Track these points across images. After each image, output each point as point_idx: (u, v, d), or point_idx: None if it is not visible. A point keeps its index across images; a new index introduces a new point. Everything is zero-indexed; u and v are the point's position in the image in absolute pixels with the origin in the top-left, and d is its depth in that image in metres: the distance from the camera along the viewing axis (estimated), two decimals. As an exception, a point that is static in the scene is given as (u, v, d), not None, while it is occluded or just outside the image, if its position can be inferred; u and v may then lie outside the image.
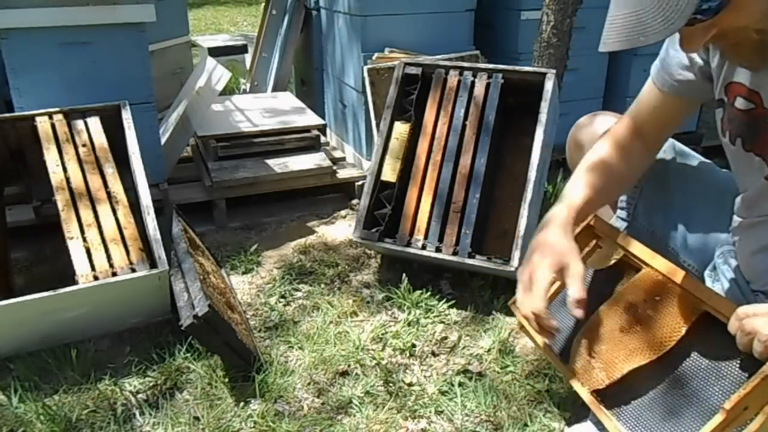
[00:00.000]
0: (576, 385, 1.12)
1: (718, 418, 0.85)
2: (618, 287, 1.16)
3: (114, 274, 1.55)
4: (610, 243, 1.21)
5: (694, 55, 1.07)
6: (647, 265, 1.10)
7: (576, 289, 1.02)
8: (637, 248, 1.14)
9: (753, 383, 0.82)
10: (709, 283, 1.16)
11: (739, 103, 0.98)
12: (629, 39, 0.78)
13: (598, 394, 1.08)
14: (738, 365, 0.92)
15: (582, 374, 1.12)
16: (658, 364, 1.02)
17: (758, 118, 0.95)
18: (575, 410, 1.36)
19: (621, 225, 1.27)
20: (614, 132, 1.21)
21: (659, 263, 1.08)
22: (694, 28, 0.80)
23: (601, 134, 1.24)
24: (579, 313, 1.02)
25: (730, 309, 0.91)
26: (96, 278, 1.53)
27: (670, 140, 1.28)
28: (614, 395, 1.07)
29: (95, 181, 1.71)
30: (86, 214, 1.64)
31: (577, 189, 1.17)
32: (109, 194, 1.69)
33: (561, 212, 1.14)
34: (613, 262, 1.20)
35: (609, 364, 1.08)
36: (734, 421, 0.85)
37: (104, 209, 1.66)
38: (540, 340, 1.21)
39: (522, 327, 1.24)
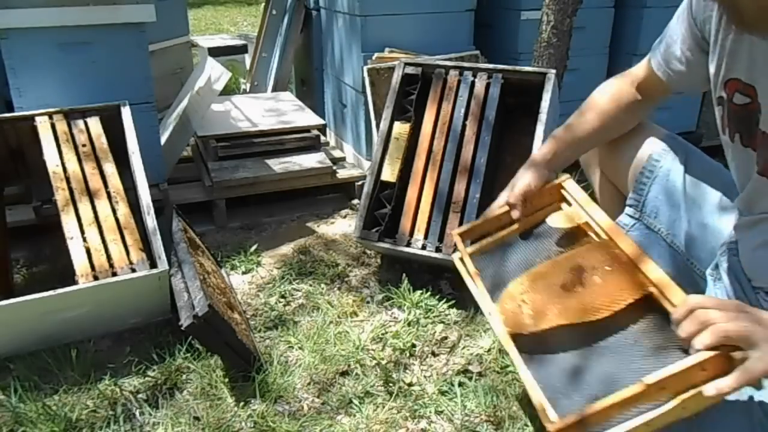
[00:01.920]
0: (494, 322, 1.09)
1: (635, 388, 0.82)
2: (571, 248, 1.14)
3: (114, 274, 1.55)
4: (576, 207, 1.20)
5: (692, 51, 1.10)
6: (609, 237, 1.08)
7: (506, 195, 1.19)
8: (602, 218, 1.12)
9: (682, 366, 0.79)
10: (710, 282, 1.17)
11: (737, 98, 0.99)
12: None
13: (515, 337, 1.05)
14: (666, 351, 0.89)
15: (508, 314, 1.08)
16: (586, 329, 0.99)
17: (752, 112, 0.96)
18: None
19: (629, 222, 1.28)
20: (617, 83, 1.29)
21: (622, 240, 1.06)
22: None
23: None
24: (497, 212, 1.21)
25: (679, 296, 0.89)
26: (96, 278, 1.53)
27: (679, 139, 1.29)
28: (531, 344, 1.03)
29: (95, 181, 1.71)
30: (86, 214, 1.64)
31: (560, 132, 1.30)
32: (109, 194, 1.69)
33: (538, 154, 1.28)
34: (573, 225, 1.18)
35: (540, 314, 1.04)
36: (648, 397, 0.81)
37: (104, 209, 1.66)
38: (472, 268, 1.19)
39: (460, 258, 1.24)
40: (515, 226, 1.23)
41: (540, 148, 1.30)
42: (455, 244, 1.28)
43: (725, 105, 1.03)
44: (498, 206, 1.26)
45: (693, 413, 0.79)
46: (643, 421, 0.80)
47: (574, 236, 1.17)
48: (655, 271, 0.96)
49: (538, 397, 0.94)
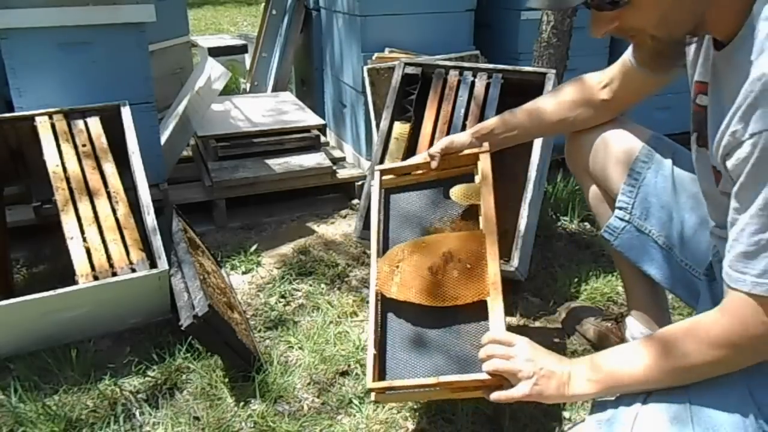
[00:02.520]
0: (372, 274, 1.29)
1: (431, 380, 1.09)
2: (456, 228, 1.35)
3: (114, 274, 1.55)
4: (478, 184, 1.35)
5: None
6: (482, 234, 1.25)
7: (428, 150, 1.38)
8: (488, 209, 1.28)
9: (468, 378, 1.05)
10: (705, 283, 1.17)
11: (699, 99, 1.00)
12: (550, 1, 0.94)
13: (382, 295, 1.26)
14: (472, 357, 1.13)
15: (382, 275, 1.28)
16: (433, 312, 1.21)
17: (704, 112, 0.97)
18: (575, 411, 1.36)
19: (619, 225, 1.28)
20: (579, 82, 1.33)
21: (490, 243, 1.23)
22: (602, 14, 0.89)
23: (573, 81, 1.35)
24: (418, 159, 1.40)
25: (496, 325, 1.11)
26: (96, 278, 1.53)
27: (665, 139, 1.29)
28: (393, 308, 1.25)
29: (95, 181, 1.71)
30: (86, 214, 1.64)
31: (506, 113, 1.39)
32: (109, 194, 1.69)
33: (479, 124, 1.40)
34: (468, 204, 1.36)
35: (405, 286, 1.25)
36: (438, 387, 1.08)
37: (104, 209, 1.66)
38: (375, 223, 1.38)
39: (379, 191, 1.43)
40: (432, 174, 1.41)
41: (485, 121, 1.43)
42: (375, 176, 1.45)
43: (691, 105, 1.03)
44: (421, 157, 1.43)
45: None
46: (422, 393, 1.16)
47: (467, 212, 1.36)
48: (496, 287, 1.17)
49: (371, 354, 1.17)
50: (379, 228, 1.39)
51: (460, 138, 1.38)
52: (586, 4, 0.88)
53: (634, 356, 0.93)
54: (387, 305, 1.27)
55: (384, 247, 1.36)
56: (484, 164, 1.35)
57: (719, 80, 0.91)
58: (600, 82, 1.29)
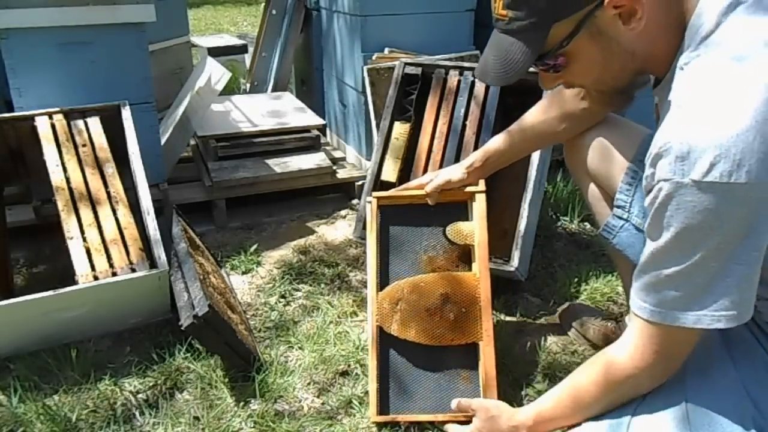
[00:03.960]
0: (373, 309, 1.39)
1: (427, 417, 1.31)
2: (450, 259, 1.46)
3: (114, 274, 1.55)
4: (473, 225, 1.44)
5: None
6: (476, 278, 1.38)
7: (426, 180, 1.45)
8: (482, 253, 1.39)
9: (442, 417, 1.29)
10: None
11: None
12: (482, 75, 0.98)
13: (381, 330, 1.38)
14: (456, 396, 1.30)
15: (383, 312, 1.39)
16: (430, 351, 1.36)
17: None
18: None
19: (617, 224, 1.28)
20: (559, 96, 1.36)
21: (483, 287, 1.36)
22: (546, 74, 0.98)
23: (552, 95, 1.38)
24: (414, 192, 1.46)
25: (489, 376, 1.31)
26: (96, 278, 1.53)
27: None
28: (392, 343, 1.38)
29: (95, 181, 1.71)
30: (86, 214, 1.64)
31: (497, 139, 1.44)
32: (109, 194, 1.69)
33: (472, 158, 1.45)
34: (463, 244, 1.45)
35: (404, 325, 1.37)
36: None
37: (104, 209, 1.66)
38: (373, 244, 1.46)
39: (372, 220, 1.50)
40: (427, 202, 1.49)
41: (477, 151, 1.46)
42: (370, 202, 1.52)
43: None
44: (417, 184, 1.49)
45: None
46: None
47: (464, 255, 1.46)
48: (489, 334, 1.33)
49: (373, 388, 1.33)
50: (376, 255, 1.46)
51: (456, 175, 1.44)
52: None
53: (555, 409, 1.07)
54: (389, 340, 1.38)
55: (381, 273, 1.45)
56: (480, 205, 1.43)
57: (662, 111, 0.93)
58: (578, 93, 1.30)
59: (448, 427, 1.27)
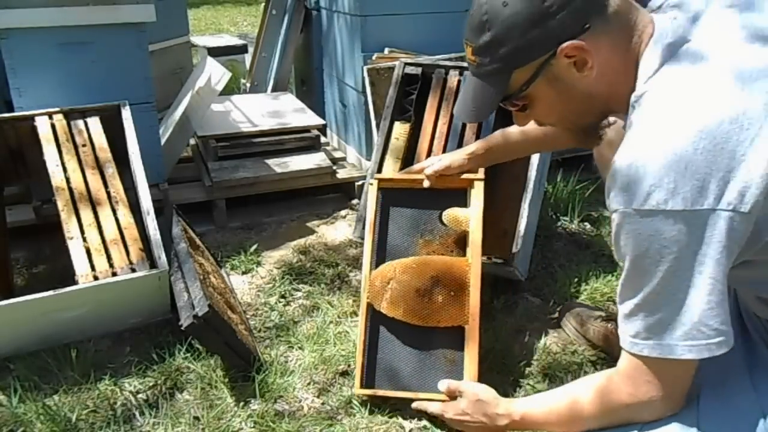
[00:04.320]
0: (364, 285, 1.45)
1: (407, 394, 1.35)
2: (445, 244, 1.48)
3: (114, 274, 1.55)
4: (470, 210, 1.46)
5: None
6: (467, 263, 1.40)
7: (428, 163, 1.50)
8: (476, 239, 1.40)
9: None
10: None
11: None
12: (458, 112, 1.05)
13: (372, 308, 1.43)
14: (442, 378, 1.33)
15: (374, 289, 1.43)
16: (417, 330, 1.40)
17: None
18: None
19: None
20: None
21: (474, 273, 1.38)
22: (518, 113, 1.03)
23: None
24: (415, 176, 1.51)
25: (471, 359, 1.34)
26: (96, 278, 1.53)
27: None
28: (381, 320, 1.42)
29: (95, 181, 1.71)
30: (86, 214, 1.64)
31: (500, 133, 1.49)
32: (109, 194, 1.69)
33: (474, 145, 1.50)
34: (459, 230, 1.47)
35: (394, 303, 1.40)
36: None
37: (104, 209, 1.66)
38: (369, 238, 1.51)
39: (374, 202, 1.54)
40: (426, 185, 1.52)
41: (480, 140, 1.52)
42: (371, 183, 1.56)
43: None
44: (418, 168, 1.53)
45: None
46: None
47: (458, 239, 1.48)
48: (474, 307, 1.36)
49: (359, 362, 1.39)
50: (373, 234, 1.50)
51: (457, 160, 1.49)
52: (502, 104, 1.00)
53: (548, 414, 1.07)
54: (378, 317, 1.43)
55: (378, 253, 1.49)
56: (478, 193, 1.46)
57: None
58: None
59: (429, 405, 1.31)
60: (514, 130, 1.46)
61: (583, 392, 1.02)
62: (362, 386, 1.38)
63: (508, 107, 1.03)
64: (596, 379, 1.02)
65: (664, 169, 0.80)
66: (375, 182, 1.54)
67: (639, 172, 0.82)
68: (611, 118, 1.03)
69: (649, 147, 0.83)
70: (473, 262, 1.40)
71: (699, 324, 0.84)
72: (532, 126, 1.39)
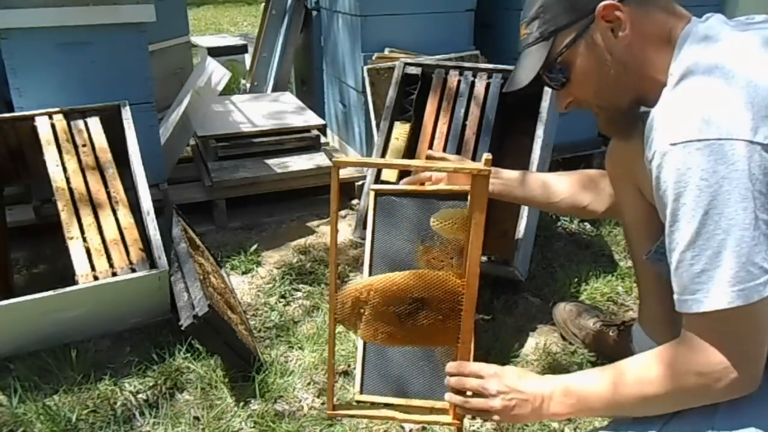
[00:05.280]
0: (331, 305, 1.17)
1: (400, 401, 1.24)
2: (448, 261, 1.33)
3: (114, 275, 1.55)
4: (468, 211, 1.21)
5: None
6: (462, 277, 1.16)
7: (421, 176, 1.47)
8: (475, 253, 1.11)
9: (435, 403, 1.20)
10: None
11: None
12: (507, 85, 1.17)
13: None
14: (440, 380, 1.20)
15: (344, 310, 1.17)
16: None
17: None
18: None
19: None
20: (587, 175, 1.44)
21: (469, 293, 1.14)
22: (559, 92, 1.11)
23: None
24: (414, 187, 1.43)
25: (465, 354, 1.15)
26: (96, 278, 1.53)
27: None
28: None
29: (95, 182, 1.71)
30: (86, 215, 1.64)
31: (516, 172, 1.46)
32: (108, 194, 1.69)
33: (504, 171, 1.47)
34: (452, 237, 1.31)
35: (370, 326, 1.18)
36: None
37: (104, 209, 1.66)
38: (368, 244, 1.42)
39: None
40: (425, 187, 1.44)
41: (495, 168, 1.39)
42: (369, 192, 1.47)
43: None
44: (417, 179, 1.48)
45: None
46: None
47: (452, 249, 1.32)
48: (467, 333, 1.15)
49: (358, 368, 1.29)
50: (373, 242, 1.43)
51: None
52: (541, 83, 1.08)
53: (601, 383, 0.97)
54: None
55: (377, 261, 1.42)
56: (480, 189, 1.07)
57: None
58: (604, 174, 1.36)
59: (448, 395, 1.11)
60: (535, 178, 1.46)
61: (643, 361, 0.94)
62: (361, 392, 1.30)
63: (547, 83, 1.11)
64: (656, 350, 0.94)
65: (698, 104, 0.86)
66: (372, 193, 1.45)
67: (675, 113, 0.88)
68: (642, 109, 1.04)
69: (687, 95, 0.89)
70: (468, 282, 1.13)
71: (747, 264, 0.81)
72: (556, 183, 1.43)
